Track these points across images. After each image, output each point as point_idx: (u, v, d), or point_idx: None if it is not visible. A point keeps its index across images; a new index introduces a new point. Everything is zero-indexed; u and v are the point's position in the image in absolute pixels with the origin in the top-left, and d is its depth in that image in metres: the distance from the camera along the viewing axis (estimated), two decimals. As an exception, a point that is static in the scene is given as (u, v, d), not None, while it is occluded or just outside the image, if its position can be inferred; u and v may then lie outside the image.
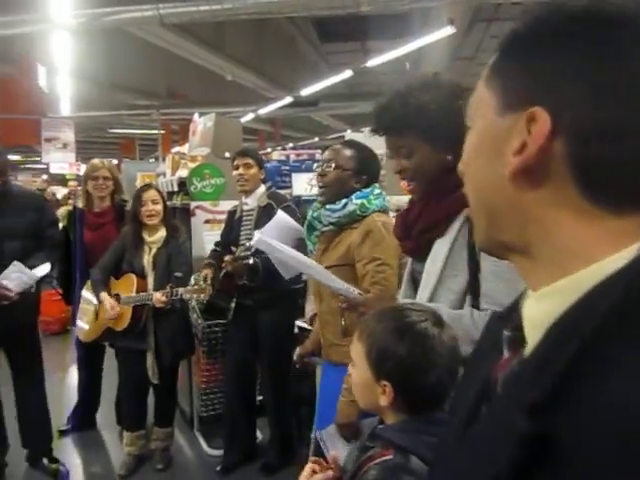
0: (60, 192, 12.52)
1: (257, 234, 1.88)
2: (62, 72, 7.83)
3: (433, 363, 0.98)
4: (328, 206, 1.92)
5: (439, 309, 1.27)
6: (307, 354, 2.21)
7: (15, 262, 2.62)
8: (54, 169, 12.09)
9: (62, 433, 3.47)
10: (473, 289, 1.30)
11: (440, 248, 1.35)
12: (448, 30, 5.47)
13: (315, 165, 2.48)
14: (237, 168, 2.88)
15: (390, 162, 1.54)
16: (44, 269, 2.75)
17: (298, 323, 2.35)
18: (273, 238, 2.41)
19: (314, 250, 2.05)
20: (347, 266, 1.87)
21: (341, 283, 1.58)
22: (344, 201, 1.88)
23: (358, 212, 1.87)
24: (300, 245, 2.56)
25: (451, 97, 1.32)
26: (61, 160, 10.47)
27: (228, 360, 3.10)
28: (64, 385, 4.18)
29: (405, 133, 1.36)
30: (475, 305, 1.29)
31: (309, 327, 2.27)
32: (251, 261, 2.60)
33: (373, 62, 7.26)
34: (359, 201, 1.87)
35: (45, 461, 3.04)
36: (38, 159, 10.93)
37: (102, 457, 3.29)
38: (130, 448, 3.08)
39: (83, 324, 3.07)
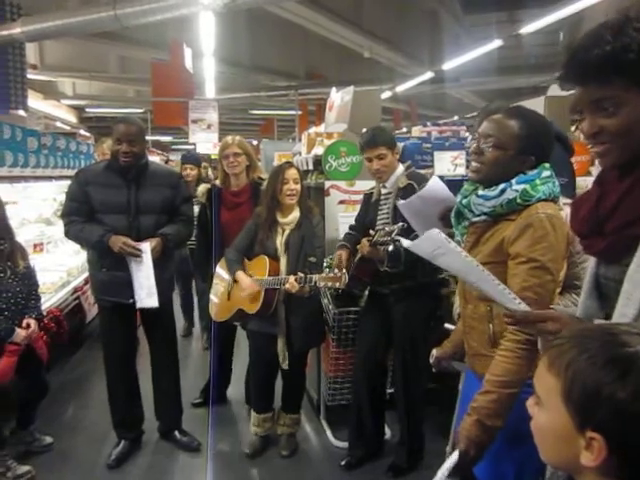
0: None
1: (402, 202, 1.50)
2: (207, 55, 8.13)
3: None
4: (481, 192, 1.57)
5: None
6: (446, 357, 1.93)
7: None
8: (200, 149, 12.82)
9: (195, 406, 3.56)
10: None
11: None
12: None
13: (469, 138, 2.13)
14: (370, 160, 2.60)
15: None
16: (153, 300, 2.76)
17: (447, 326, 2.06)
18: (419, 207, 2.16)
19: (462, 242, 1.71)
20: (498, 264, 1.51)
21: (506, 291, 1.27)
22: (502, 186, 1.51)
23: (518, 200, 1.49)
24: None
25: None
26: (205, 140, 11.01)
27: (358, 349, 2.92)
28: (201, 359, 4.32)
29: (614, 79, 0.98)
30: None
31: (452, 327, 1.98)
32: (391, 248, 2.35)
33: (526, 29, 6.56)
34: (521, 187, 1.49)
35: (176, 433, 3.12)
36: (186, 140, 11.58)
37: (230, 434, 3.32)
38: (257, 429, 3.05)
39: (215, 300, 3.06)
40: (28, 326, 2.76)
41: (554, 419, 0.76)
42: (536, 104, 3.68)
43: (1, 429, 2.81)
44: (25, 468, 2.76)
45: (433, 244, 1.25)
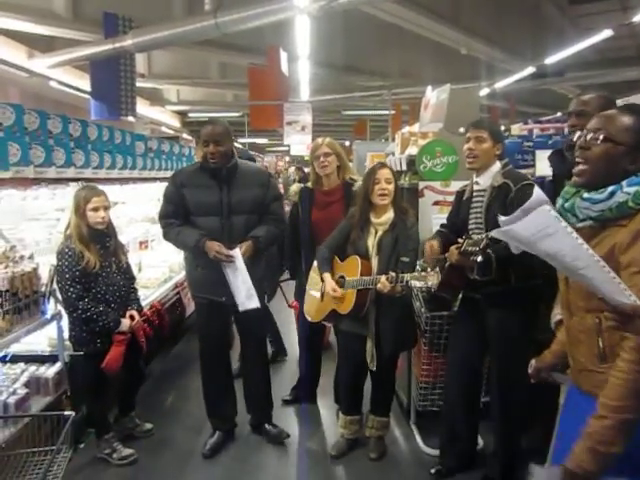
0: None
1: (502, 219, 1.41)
2: (302, 58, 8.26)
3: None
4: (587, 195, 1.44)
5: None
6: (546, 368, 1.81)
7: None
8: (294, 151, 13.10)
9: (285, 403, 3.64)
10: None
11: None
12: None
13: (577, 135, 1.97)
14: (468, 141, 2.55)
15: None
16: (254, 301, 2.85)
17: None
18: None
19: None
20: None
21: (617, 280, 1.17)
22: (611, 188, 1.39)
23: (631, 204, 1.36)
24: None
25: None
26: (299, 142, 11.20)
27: (451, 355, 2.83)
28: (292, 357, 4.40)
29: None
30: None
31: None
32: (479, 258, 2.26)
33: (641, 17, 6.04)
34: (633, 189, 1.36)
35: (267, 426, 3.19)
36: (281, 142, 11.87)
37: (319, 431, 3.35)
38: (344, 430, 3.05)
39: (309, 301, 3.09)
40: (132, 317, 2.95)
41: None
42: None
43: (107, 414, 3.03)
44: (129, 451, 2.96)
45: (541, 223, 1.17)
